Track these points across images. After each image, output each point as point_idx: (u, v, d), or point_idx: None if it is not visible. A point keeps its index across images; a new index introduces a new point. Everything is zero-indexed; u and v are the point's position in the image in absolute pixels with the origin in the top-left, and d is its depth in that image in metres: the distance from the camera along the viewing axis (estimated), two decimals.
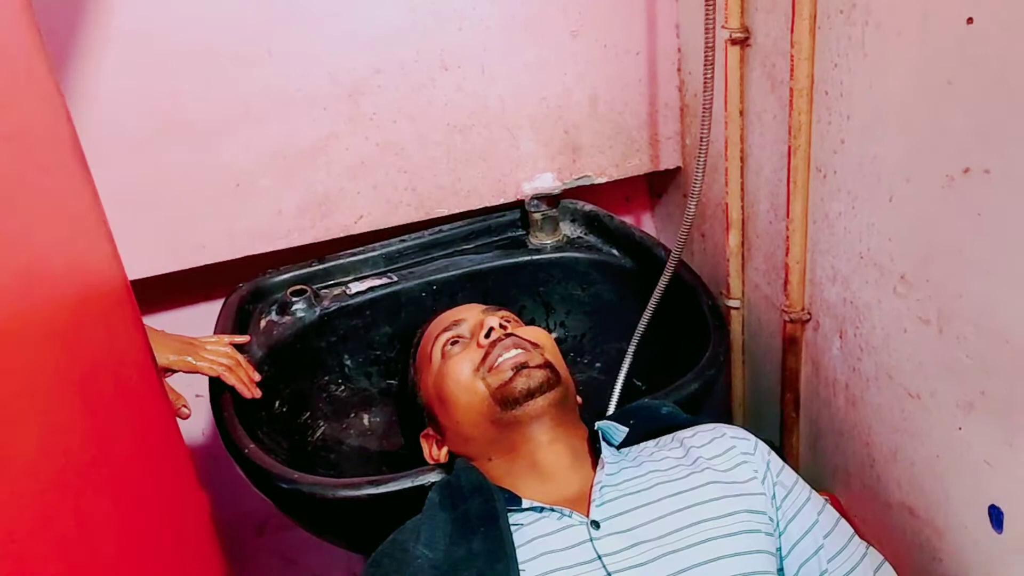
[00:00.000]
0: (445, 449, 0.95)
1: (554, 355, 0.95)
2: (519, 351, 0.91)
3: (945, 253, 0.81)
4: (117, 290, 0.66)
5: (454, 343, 0.97)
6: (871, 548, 0.87)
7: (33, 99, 0.54)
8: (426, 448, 0.98)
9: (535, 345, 0.93)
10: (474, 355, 0.93)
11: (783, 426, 1.16)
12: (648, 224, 1.50)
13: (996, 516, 0.81)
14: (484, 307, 1.02)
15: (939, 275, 0.82)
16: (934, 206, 0.80)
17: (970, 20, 0.71)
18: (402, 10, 1.17)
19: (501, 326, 0.94)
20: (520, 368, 0.89)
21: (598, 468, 0.87)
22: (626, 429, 0.93)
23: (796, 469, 0.98)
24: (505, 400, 0.89)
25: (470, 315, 1.00)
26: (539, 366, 0.90)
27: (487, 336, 0.93)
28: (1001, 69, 0.69)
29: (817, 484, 1.08)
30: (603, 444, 0.90)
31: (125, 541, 0.54)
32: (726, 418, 1.29)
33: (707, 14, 1.00)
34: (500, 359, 0.90)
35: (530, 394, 0.88)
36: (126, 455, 0.59)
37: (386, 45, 1.19)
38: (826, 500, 0.89)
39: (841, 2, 0.88)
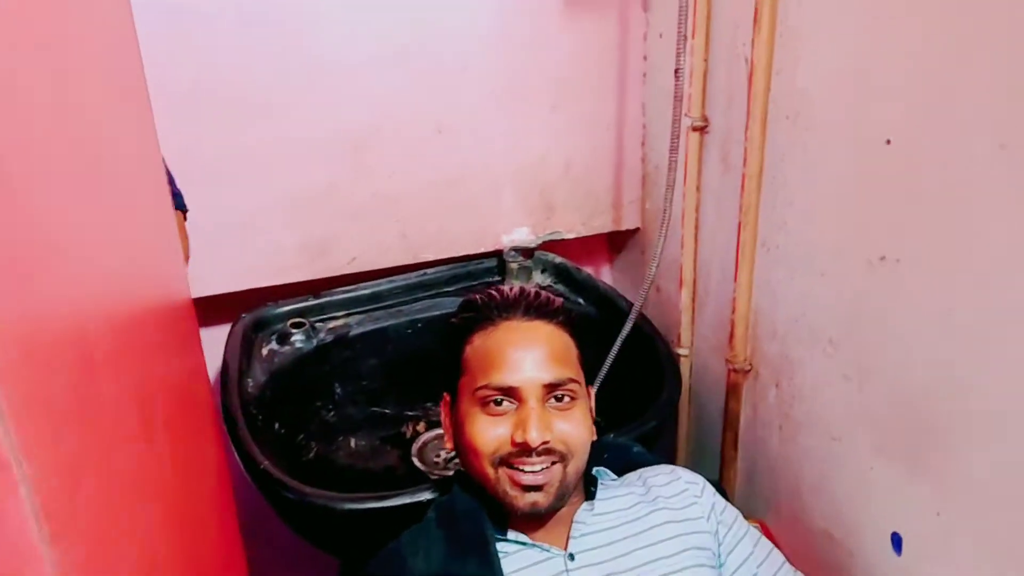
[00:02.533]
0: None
1: (580, 459, 0.94)
2: (542, 470, 0.91)
3: (867, 322, 0.98)
4: (187, 306, 0.79)
5: (497, 403, 0.92)
6: (799, 573, 1.04)
7: (136, 130, 0.66)
8: (445, 419, 1.02)
9: (563, 458, 0.92)
10: (502, 441, 0.91)
11: (722, 461, 1.32)
12: (606, 275, 1.67)
13: (897, 541, 0.98)
14: (545, 386, 0.92)
15: (861, 340, 1.00)
16: (858, 284, 0.98)
17: (888, 141, 0.90)
18: (406, 75, 1.32)
19: (542, 443, 0.90)
20: (532, 490, 0.91)
21: (580, 508, 0.99)
22: (615, 477, 1.07)
23: (732, 499, 1.15)
24: (506, 504, 0.93)
25: (527, 390, 0.92)
26: (550, 498, 0.92)
27: (521, 442, 0.90)
28: (911, 182, 0.87)
29: (750, 512, 1.25)
30: (599, 486, 1.02)
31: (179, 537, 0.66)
32: (672, 453, 1.45)
33: (675, 106, 1.18)
34: (519, 468, 0.91)
35: (531, 516, 0.93)
36: (195, 445, 0.71)
37: (388, 105, 1.33)
38: (759, 531, 1.05)
39: (788, 109, 1.06)
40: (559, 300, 1.02)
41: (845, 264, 1.00)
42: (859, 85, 0.93)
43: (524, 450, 0.91)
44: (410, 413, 1.41)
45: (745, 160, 1.13)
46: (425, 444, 1.37)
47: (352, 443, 1.34)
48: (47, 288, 0.42)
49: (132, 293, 0.62)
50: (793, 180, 1.07)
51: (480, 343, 0.97)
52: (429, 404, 1.43)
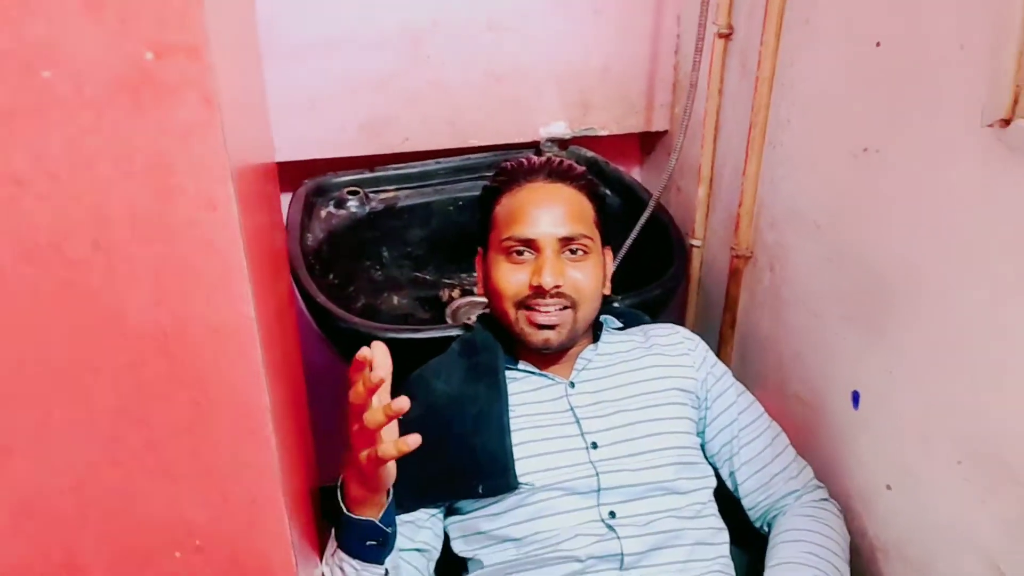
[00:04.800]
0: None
1: (589, 305, 1.11)
2: (555, 314, 1.08)
3: (847, 209, 1.12)
4: (274, 167, 0.97)
5: (519, 252, 1.10)
6: (774, 423, 1.21)
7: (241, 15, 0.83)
8: (478, 269, 1.20)
9: (574, 304, 1.09)
10: (521, 286, 1.09)
11: (720, 341, 1.48)
12: (636, 175, 1.81)
13: (856, 398, 1.14)
14: (560, 239, 1.09)
15: (841, 225, 1.14)
16: (843, 174, 1.12)
17: (878, 43, 1.02)
18: None
19: (555, 287, 1.06)
20: (546, 328, 1.08)
21: (588, 347, 1.18)
22: (621, 325, 1.25)
23: None
24: (523, 341, 1.11)
25: (544, 241, 1.08)
26: (561, 337, 1.09)
27: (537, 285, 1.07)
28: (894, 81, 1.00)
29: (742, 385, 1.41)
30: (604, 331, 1.21)
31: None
32: None
33: (701, 11, 1.31)
34: (536, 310, 1.08)
35: (544, 349, 1.11)
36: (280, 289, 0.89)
37: (446, 2, 1.48)
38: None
39: (801, 15, 1.18)
40: (581, 168, 1.18)
41: (834, 157, 1.14)
42: None
43: (539, 293, 1.08)
44: (448, 281, 1.59)
45: (759, 64, 1.26)
46: (458, 308, 1.55)
47: (395, 300, 1.53)
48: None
49: (261, 151, 0.79)
50: (799, 82, 1.20)
51: (507, 201, 1.14)
52: (464, 274, 1.60)
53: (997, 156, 0.84)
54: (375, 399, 0.83)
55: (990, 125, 0.83)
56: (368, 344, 1.23)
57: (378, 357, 0.82)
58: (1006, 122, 0.82)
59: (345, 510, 0.94)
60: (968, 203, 0.90)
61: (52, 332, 0.47)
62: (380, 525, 0.94)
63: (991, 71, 0.82)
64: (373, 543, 0.94)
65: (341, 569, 0.96)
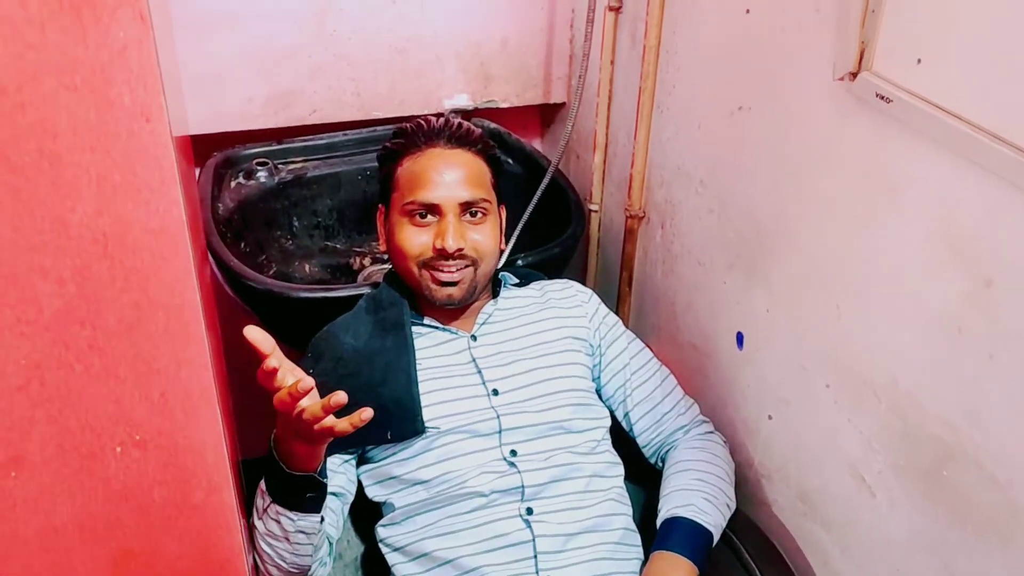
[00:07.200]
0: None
1: (488, 262, 1.18)
2: (455, 274, 1.15)
3: (726, 164, 1.23)
4: (188, 142, 1.00)
5: (422, 215, 1.16)
6: (664, 366, 1.31)
7: None
8: (380, 226, 1.27)
9: (474, 263, 1.16)
10: (425, 247, 1.15)
11: (619, 298, 1.58)
12: (538, 146, 1.89)
13: (740, 339, 1.25)
14: (461, 203, 1.15)
15: (721, 179, 1.24)
16: (722, 132, 1.22)
17: (748, 11, 1.13)
18: None
19: (457, 250, 1.13)
20: (448, 285, 1.16)
21: (488, 302, 1.26)
22: (518, 280, 1.32)
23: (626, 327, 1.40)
24: (427, 297, 1.18)
25: (446, 206, 1.15)
26: (463, 292, 1.16)
27: (440, 248, 1.13)
28: (762, 44, 1.11)
29: (639, 338, 1.51)
30: (503, 287, 1.29)
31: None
32: None
33: None
34: (439, 269, 1.15)
35: (447, 304, 1.18)
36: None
37: None
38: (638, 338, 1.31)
39: None
40: (478, 131, 1.25)
41: (715, 116, 1.24)
42: None
43: (442, 255, 1.15)
44: (358, 249, 1.64)
45: (646, 34, 1.35)
46: (370, 275, 1.60)
47: (307, 268, 1.57)
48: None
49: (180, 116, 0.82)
50: (682, 49, 1.30)
51: (409, 165, 1.20)
52: (375, 243, 1.65)
53: (847, 106, 0.95)
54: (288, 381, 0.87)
55: (840, 78, 0.94)
56: (283, 306, 1.28)
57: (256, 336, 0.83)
58: (854, 75, 0.92)
59: (285, 468, 0.96)
60: (824, 150, 1.01)
61: (0, 235, 0.51)
62: (318, 478, 0.99)
63: (840, 29, 0.93)
64: (312, 495, 0.99)
65: (277, 521, 1.00)
